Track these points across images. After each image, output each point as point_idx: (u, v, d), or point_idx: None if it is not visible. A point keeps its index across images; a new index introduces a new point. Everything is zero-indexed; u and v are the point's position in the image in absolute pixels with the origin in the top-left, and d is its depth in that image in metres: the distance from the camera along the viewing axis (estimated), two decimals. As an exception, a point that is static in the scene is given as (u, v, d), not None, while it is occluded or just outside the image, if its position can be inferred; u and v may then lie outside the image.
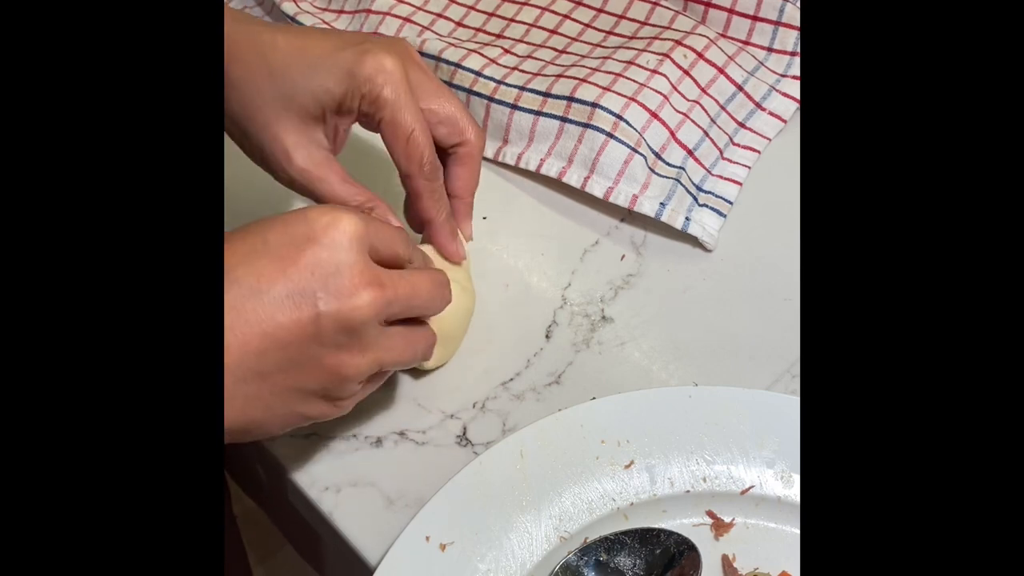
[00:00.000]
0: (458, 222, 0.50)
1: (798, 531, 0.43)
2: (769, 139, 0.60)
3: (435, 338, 0.44)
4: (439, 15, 0.68)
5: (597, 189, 0.56)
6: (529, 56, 0.63)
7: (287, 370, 0.37)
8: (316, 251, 0.36)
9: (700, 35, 0.61)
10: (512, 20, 0.67)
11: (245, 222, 0.50)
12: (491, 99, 0.59)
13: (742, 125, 0.60)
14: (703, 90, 0.59)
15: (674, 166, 0.57)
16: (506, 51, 0.63)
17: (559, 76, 0.59)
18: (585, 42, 0.64)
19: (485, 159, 0.60)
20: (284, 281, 0.36)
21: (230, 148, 0.57)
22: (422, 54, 0.62)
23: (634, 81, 0.57)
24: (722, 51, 0.61)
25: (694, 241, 0.55)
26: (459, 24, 0.67)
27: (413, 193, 0.47)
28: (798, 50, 0.62)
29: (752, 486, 0.44)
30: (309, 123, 0.46)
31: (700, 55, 0.60)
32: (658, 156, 0.56)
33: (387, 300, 0.38)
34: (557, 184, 0.58)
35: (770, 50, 0.62)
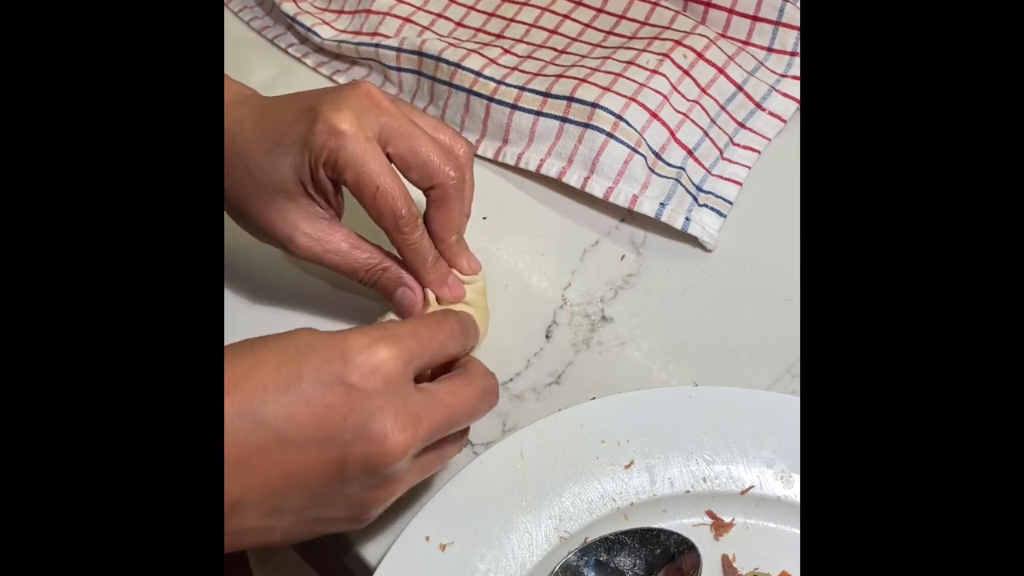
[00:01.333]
0: (451, 263, 0.48)
1: (798, 531, 0.43)
2: (769, 139, 0.60)
3: (465, 439, 0.42)
4: (439, 15, 0.68)
5: (597, 189, 0.56)
6: (529, 56, 0.63)
7: (311, 507, 0.36)
8: (351, 396, 0.35)
9: (700, 35, 0.61)
10: (512, 20, 0.67)
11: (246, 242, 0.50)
12: (491, 99, 0.59)
13: (742, 125, 0.60)
14: (703, 90, 0.59)
15: (674, 166, 0.57)
16: (506, 51, 0.63)
17: (559, 76, 0.59)
18: (585, 42, 0.64)
19: (485, 159, 0.60)
20: (314, 426, 0.34)
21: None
22: (422, 54, 0.62)
23: (634, 81, 0.57)
24: (722, 51, 0.61)
25: (694, 241, 0.55)
26: (459, 24, 0.67)
27: (394, 246, 0.46)
28: (798, 50, 0.62)
29: (752, 486, 0.44)
30: (298, 199, 0.45)
31: (700, 55, 0.60)
32: (658, 156, 0.56)
33: (421, 440, 0.36)
34: (557, 184, 0.58)
35: (770, 50, 0.62)
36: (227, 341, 0.39)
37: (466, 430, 0.42)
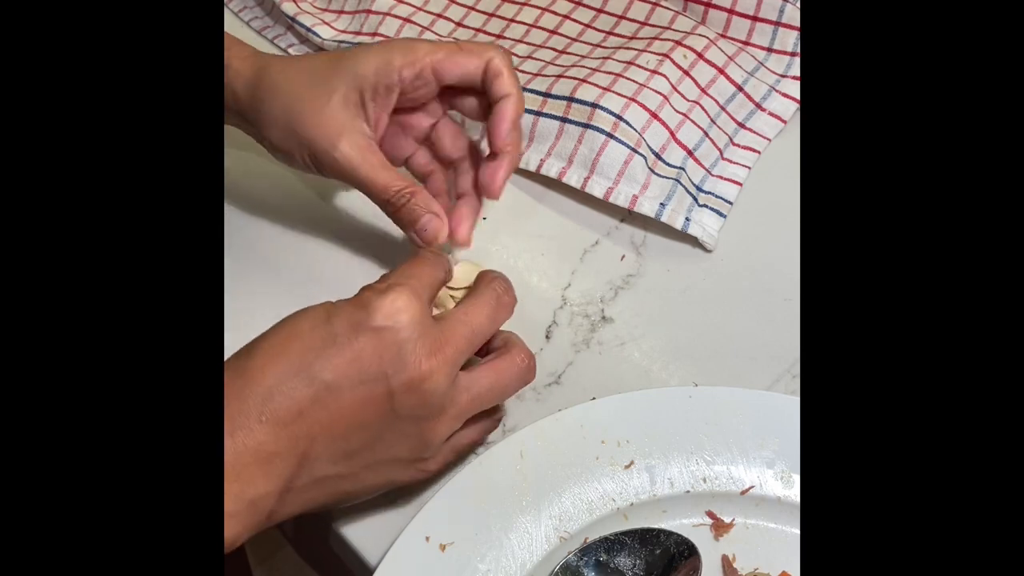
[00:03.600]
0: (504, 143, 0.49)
1: (798, 531, 0.43)
2: (769, 139, 0.60)
3: (529, 359, 0.43)
4: (439, 15, 0.68)
5: (597, 189, 0.56)
6: (529, 56, 0.63)
7: (373, 445, 0.40)
8: (380, 336, 0.39)
9: (700, 35, 0.61)
10: (512, 21, 0.67)
11: (247, 210, 0.50)
12: (491, 99, 0.59)
13: (742, 125, 0.60)
14: (703, 90, 0.59)
15: (674, 166, 0.57)
16: (506, 51, 0.63)
17: (559, 76, 0.59)
18: (585, 42, 0.64)
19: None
20: (358, 371, 0.38)
21: (231, 136, 0.57)
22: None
23: (634, 81, 0.57)
24: (722, 51, 0.61)
25: (694, 241, 0.55)
26: (459, 24, 0.67)
27: (499, 114, 0.47)
28: (798, 50, 0.62)
29: (752, 486, 0.44)
30: (352, 110, 0.48)
31: (700, 55, 0.60)
32: (658, 156, 0.56)
33: (451, 358, 0.40)
34: (557, 184, 0.58)
35: (770, 50, 0.62)
36: (226, 324, 0.43)
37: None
